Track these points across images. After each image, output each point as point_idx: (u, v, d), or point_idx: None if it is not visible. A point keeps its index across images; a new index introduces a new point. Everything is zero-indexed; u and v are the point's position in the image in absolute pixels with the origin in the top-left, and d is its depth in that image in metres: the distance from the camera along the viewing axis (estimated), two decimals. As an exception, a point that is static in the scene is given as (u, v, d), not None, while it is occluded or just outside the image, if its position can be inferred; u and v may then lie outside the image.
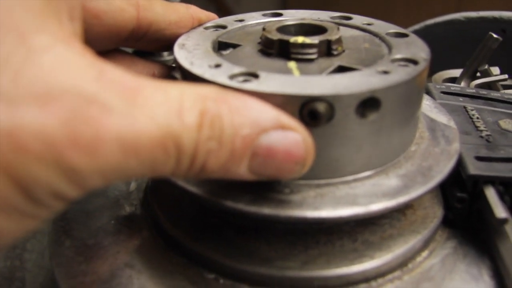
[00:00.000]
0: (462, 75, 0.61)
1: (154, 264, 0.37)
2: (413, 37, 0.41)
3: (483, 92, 0.52)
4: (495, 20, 0.68)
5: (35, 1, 0.25)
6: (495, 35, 0.59)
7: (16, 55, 0.23)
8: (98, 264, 0.37)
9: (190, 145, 0.26)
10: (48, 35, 0.25)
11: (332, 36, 0.38)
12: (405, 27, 0.45)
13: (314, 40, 0.37)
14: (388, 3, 2.21)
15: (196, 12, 0.43)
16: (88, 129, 0.23)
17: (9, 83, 0.23)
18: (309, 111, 0.31)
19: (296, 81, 0.32)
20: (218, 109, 0.28)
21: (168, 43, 0.41)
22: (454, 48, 0.72)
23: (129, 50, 0.49)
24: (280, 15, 0.47)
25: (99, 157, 0.24)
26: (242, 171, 0.29)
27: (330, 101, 0.31)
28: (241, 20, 0.45)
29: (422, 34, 0.72)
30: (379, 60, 0.37)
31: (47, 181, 0.23)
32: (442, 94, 0.50)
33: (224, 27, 0.44)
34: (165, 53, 0.66)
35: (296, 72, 0.35)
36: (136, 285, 0.36)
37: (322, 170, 0.34)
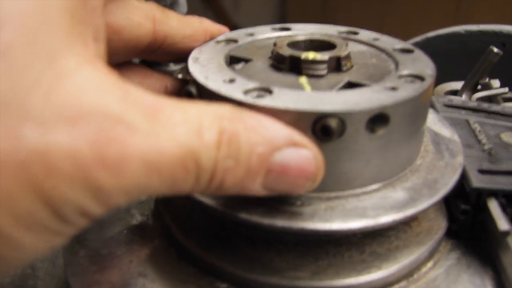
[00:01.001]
0: (463, 88, 0.63)
1: (166, 273, 0.38)
2: (419, 53, 0.42)
3: (485, 105, 0.53)
4: (495, 34, 0.69)
5: (62, 23, 0.26)
6: (495, 49, 0.60)
7: (47, 76, 0.24)
8: (112, 273, 0.38)
9: (209, 163, 0.27)
10: (76, 57, 0.26)
11: (341, 52, 0.39)
12: (404, 38, 0.46)
13: (325, 56, 0.38)
14: (386, 14, 2.22)
15: (209, 26, 0.44)
16: (114, 149, 0.24)
17: (40, 104, 0.23)
18: (321, 127, 0.32)
19: (308, 97, 0.33)
20: (234, 128, 0.28)
21: (180, 56, 0.42)
22: (455, 60, 0.73)
23: (136, 60, 0.49)
24: (288, 29, 0.48)
25: (124, 176, 0.25)
26: (257, 187, 0.30)
27: (342, 117, 0.32)
28: (251, 34, 0.46)
29: (423, 46, 0.73)
30: (386, 76, 0.38)
31: (75, 200, 0.24)
32: (445, 107, 0.51)
33: (235, 41, 0.45)
34: (171, 63, 0.67)
35: (307, 88, 0.36)
36: (150, 294, 0.37)
37: (332, 183, 0.35)
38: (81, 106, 0.24)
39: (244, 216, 0.33)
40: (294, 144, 0.30)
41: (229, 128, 0.28)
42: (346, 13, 2.30)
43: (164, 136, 0.26)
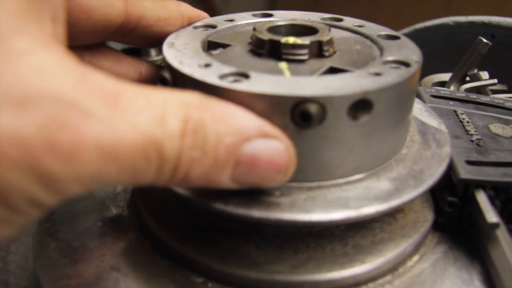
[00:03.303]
0: (451, 79, 0.62)
1: (140, 267, 0.37)
2: (405, 40, 0.40)
3: (473, 96, 0.52)
4: (484, 25, 0.68)
5: (16, 3, 0.25)
6: (484, 40, 0.59)
7: None
8: (84, 266, 0.37)
9: (172, 153, 0.26)
10: (29, 39, 0.24)
11: (323, 37, 0.38)
12: (394, 30, 0.45)
13: (305, 40, 0.36)
14: (377, 6, 2.22)
15: (187, 10, 0.42)
16: (66, 135, 0.23)
17: None
18: (300, 112, 0.30)
19: (287, 81, 0.32)
20: (201, 117, 0.27)
21: (156, 40, 0.41)
22: (443, 52, 0.72)
23: (118, 48, 0.48)
24: (270, 15, 0.47)
25: (77, 163, 0.23)
26: (225, 180, 0.29)
27: (322, 102, 0.31)
28: (231, 20, 0.45)
29: (411, 37, 0.72)
30: (370, 62, 0.37)
31: (22, 187, 0.22)
32: (432, 98, 0.50)
33: (214, 26, 0.43)
34: (153, 53, 0.66)
35: (287, 73, 0.35)
36: (122, 288, 0.35)
37: (313, 172, 0.34)
38: (32, 89, 0.23)
39: (219, 206, 0.32)
40: (265, 135, 0.29)
41: (195, 116, 0.27)
42: (337, 8, 2.29)
43: (123, 123, 0.24)
